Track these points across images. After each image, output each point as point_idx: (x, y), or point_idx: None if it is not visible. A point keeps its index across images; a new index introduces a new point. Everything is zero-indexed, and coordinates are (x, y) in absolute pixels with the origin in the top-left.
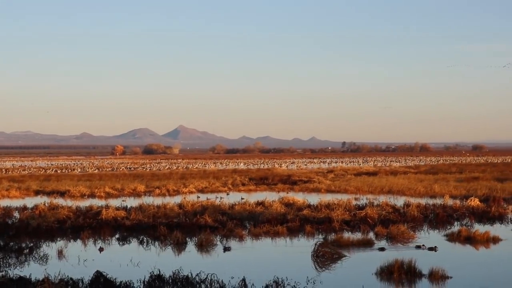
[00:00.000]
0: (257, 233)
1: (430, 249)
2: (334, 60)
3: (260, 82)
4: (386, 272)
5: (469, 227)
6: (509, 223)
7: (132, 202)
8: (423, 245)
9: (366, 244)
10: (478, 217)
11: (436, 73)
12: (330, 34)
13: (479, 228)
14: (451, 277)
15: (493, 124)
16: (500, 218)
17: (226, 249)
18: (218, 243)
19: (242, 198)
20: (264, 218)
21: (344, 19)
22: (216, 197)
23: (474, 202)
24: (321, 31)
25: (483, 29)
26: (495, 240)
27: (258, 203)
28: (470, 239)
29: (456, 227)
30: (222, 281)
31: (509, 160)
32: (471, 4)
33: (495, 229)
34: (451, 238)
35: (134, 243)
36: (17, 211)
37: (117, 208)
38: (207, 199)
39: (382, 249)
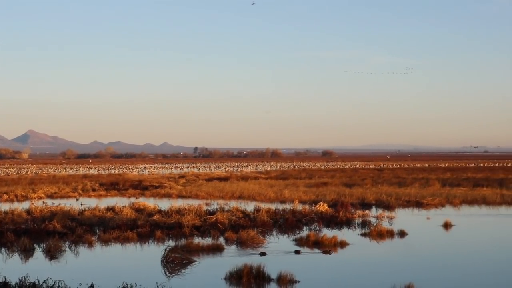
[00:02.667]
0: (106, 239)
1: (262, 254)
2: (184, 64)
3: (112, 86)
4: (235, 277)
5: (317, 231)
6: (356, 227)
7: None
8: (299, 251)
9: (216, 249)
10: (327, 222)
11: (283, 78)
12: (184, 37)
13: (327, 233)
14: (299, 281)
15: (342, 130)
16: (348, 222)
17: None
18: (67, 249)
19: (84, 205)
20: (114, 223)
21: (208, 21)
22: (66, 203)
23: (323, 207)
24: (178, 35)
25: (340, 36)
26: (343, 244)
27: (108, 209)
28: (319, 244)
29: (305, 232)
30: (70, 287)
31: (357, 166)
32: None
33: (343, 234)
34: (300, 242)
35: None
36: None
37: None
38: (57, 204)
39: (263, 254)
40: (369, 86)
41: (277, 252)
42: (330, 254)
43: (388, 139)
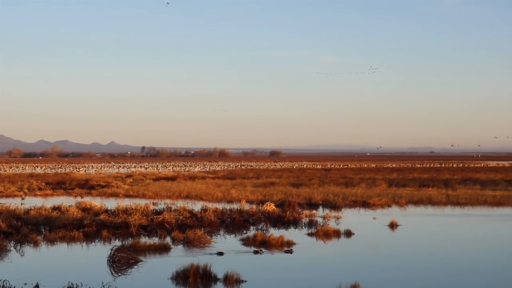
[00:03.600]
0: (52, 238)
1: (219, 253)
2: (131, 62)
3: (58, 83)
4: (182, 277)
5: (264, 231)
6: (303, 227)
7: None
8: (260, 250)
9: (163, 249)
10: (274, 222)
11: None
12: (131, 35)
13: (274, 233)
14: (245, 281)
15: (290, 131)
16: (295, 222)
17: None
18: (12, 248)
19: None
20: (60, 223)
21: (154, 19)
22: (11, 202)
23: (270, 207)
24: (126, 32)
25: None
26: (289, 244)
27: (55, 208)
28: (265, 243)
29: (252, 232)
30: (15, 287)
31: (305, 166)
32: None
33: (290, 233)
34: (247, 242)
35: None
36: None
37: None
38: (2, 203)
39: (220, 253)
40: (316, 86)
41: (236, 252)
42: (291, 253)
43: (336, 139)
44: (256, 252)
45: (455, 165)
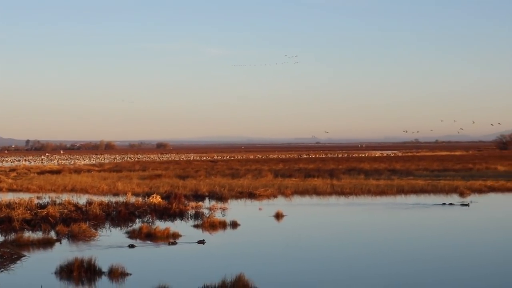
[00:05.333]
0: None
1: (105, 247)
2: (17, 53)
3: None
4: (66, 271)
5: (150, 223)
6: (190, 219)
7: None
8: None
9: (47, 243)
10: (160, 214)
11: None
12: (26, 24)
13: (160, 225)
14: (131, 274)
15: (177, 122)
16: (181, 214)
17: None
18: None
19: None
20: None
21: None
22: None
23: (156, 199)
24: (19, 22)
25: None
26: (175, 236)
27: None
28: (151, 236)
29: (138, 224)
30: None
31: (191, 158)
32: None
33: (176, 225)
34: (133, 235)
35: None
36: None
37: None
38: None
39: (131, 246)
40: (202, 78)
41: (121, 245)
42: (204, 243)
43: (222, 131)
44: (132, 246)
45: (340, 155)
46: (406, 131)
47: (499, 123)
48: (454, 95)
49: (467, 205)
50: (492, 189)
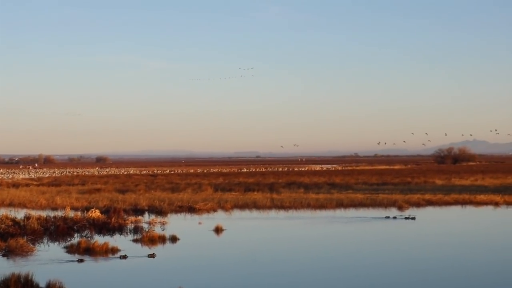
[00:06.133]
0: None
1: (43, 262)
2: None
3: None
4: (3, 286)
5: (89, 238)
6: (129, 233)
7: None
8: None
9: None
10: (99, 228)
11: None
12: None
13: (99, 239)
14: None
15: (117, 136)
16: (120, 229)
17: None
18: None
19: None
20: None
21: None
22: None
23: (95, 213)
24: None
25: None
26: (114, 250)
27: None
28: (89, 250)
29: (76, 239)
30: None
31: (131, 172)
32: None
33: (115, 240)
34: (71, 249)
35: None
36: None
37: None
38: None
39: (44, 262)
40: (142, 91)
41: (59, 260)
42: (154, 257)
43: (163, 145)
44: (80, 261)
45: (280, 169)
46: (379, 143)
47: (429, 141)
48: (402, 110)
49: (413, 218)
50: (430, 203)
